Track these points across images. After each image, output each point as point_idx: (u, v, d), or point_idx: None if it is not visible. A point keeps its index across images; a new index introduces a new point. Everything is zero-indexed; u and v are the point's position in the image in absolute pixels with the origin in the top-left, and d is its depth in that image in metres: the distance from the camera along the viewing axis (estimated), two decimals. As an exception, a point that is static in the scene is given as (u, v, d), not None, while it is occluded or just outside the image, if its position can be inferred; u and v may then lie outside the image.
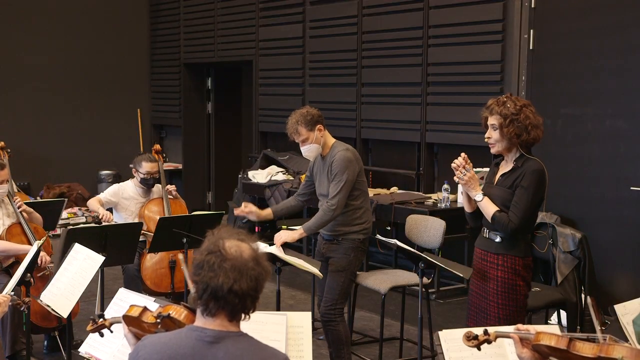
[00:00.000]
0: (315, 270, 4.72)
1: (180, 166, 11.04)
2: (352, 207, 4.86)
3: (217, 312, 2.33)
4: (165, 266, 5.86)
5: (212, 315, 2.33)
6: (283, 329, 3.17)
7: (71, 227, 5.13)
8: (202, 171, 11.09)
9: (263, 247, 4.02)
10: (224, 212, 6.36)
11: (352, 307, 5.37)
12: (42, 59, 10.46)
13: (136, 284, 5.69)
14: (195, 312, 2.43)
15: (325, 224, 4.84)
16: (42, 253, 4.95)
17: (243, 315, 2.36)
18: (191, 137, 10.97)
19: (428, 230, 5.35)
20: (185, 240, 5.34)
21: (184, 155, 11.02)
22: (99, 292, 5.16)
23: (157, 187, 6.06)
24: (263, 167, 8.72)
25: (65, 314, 4.26)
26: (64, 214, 8.80)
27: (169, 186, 6.12)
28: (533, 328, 2.71)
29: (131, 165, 6.04)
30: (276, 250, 4.72)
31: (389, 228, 7.14)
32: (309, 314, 3.33)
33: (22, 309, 4.00)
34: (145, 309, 2.75)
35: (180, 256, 5.71)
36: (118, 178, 9.99)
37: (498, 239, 3.99)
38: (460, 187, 5.93)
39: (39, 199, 8.96)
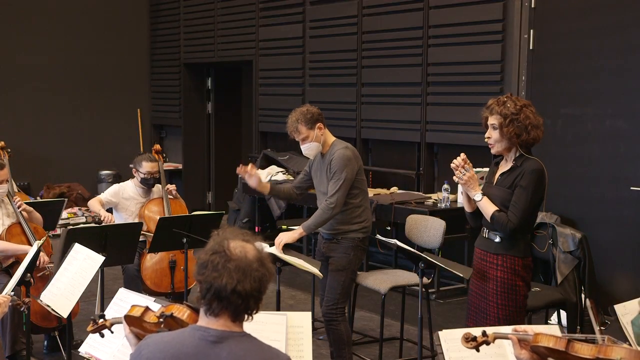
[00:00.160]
0: (315, 270, 4.72)
1: (180, 166, 11.04)
2: (351, 205, 4.85)
3: (220, 312, 2.33)
4: (165, 266, 5.87)
5: (215, 315, 2.33)
6: (283, 329, 3.17)
7: (71, 227, 5.13)
8: (202, 171, 11.09)
9: (263, 246, 4.01)
10: (224, 212, 6.35)
11: (352, 307, 5.37)
12: (42, 59, 10.46)
13: (136, 284, 5.69)
14: (198, 311, 2.43)
15: (325, 222, 4.84)
16: (40, 253, 4.94)
17: (246, 316, 2.36)
18: (191, 137, 10.97)
19: (428, 230, 5.35)
20: (185, 240, 5.35)
21: (184, 155, 11.02)
22: (99, 292, 5.15)
23: (157, 187, 6.07)
24: (263, 167, 8.72)
25: (65, 314, 4.25)
26: (64, 214, 8.80)
27: (169, 185, 6.12)
28: (531, 329, 2.71)
29: (131, 165, 6.04)
30: (276, 250, 4.73)
31: (389, 228, 7.14)
32: (309, 314, 3.33)
33: (22, 309, 4.00)
34: (147, 309, 2.74)
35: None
36: (118, 178, 9.99)
37: (497, 239, 3.99)
38: (460, 187, 5.93)
39: (39, 199, 8.96)
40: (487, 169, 4.81)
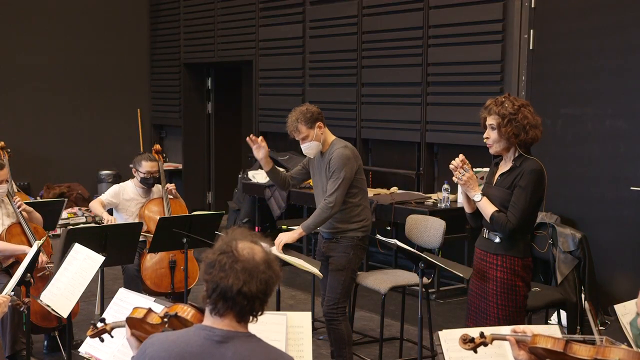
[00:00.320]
0: (315, 270, 4.73)
1: (180, 166, 11.04)
2: (351, 204, 4.85)
3: (226, 313, 2.32)
4: (165, 266, 5.87)
5: (221, 315, 2.33)
6: (283, 329, 3.17)
7: (71, 227, 5.13)
8: (202, 171, 11.09)
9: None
10: (224, 212, 6.36)
11: (352, 307, 5.37)
12: (42, 59, 10.46)
13: (136, 284, 5.70)
14: (202, 311, 2.42)
15: (324, 221, 4.84)
16: (40, 253, 4.94)
17: (251, 318, 2.36)
18: (191, 137, 10.97)
19: (428, 230, 5.35)
20: (185, 240, 5.35)
21: (184, 155, 11.02)
22: (99, 292, 5.15)
23: (157, 187, 6.07)
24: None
25: (65, 314, 4.26)
26: (64, 214, 8.80)
27: (168, 185, 6.12)
28: (529, 329, 2.71)
29: (131, 165, 6.04)
30: (276, 250, 4.73)
31: (389, 228, 7.14)
32: (309, 314, 3.33)
33: (22, 309, 4.00)
34: (150, 310, 2.72)
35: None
36: (118, 178, 9.99)
37: (497, 240, 3.99)
38: (460, 187, 5.93)
39: (39, 199, 8.96)
40: (487, 169, 4.81)
